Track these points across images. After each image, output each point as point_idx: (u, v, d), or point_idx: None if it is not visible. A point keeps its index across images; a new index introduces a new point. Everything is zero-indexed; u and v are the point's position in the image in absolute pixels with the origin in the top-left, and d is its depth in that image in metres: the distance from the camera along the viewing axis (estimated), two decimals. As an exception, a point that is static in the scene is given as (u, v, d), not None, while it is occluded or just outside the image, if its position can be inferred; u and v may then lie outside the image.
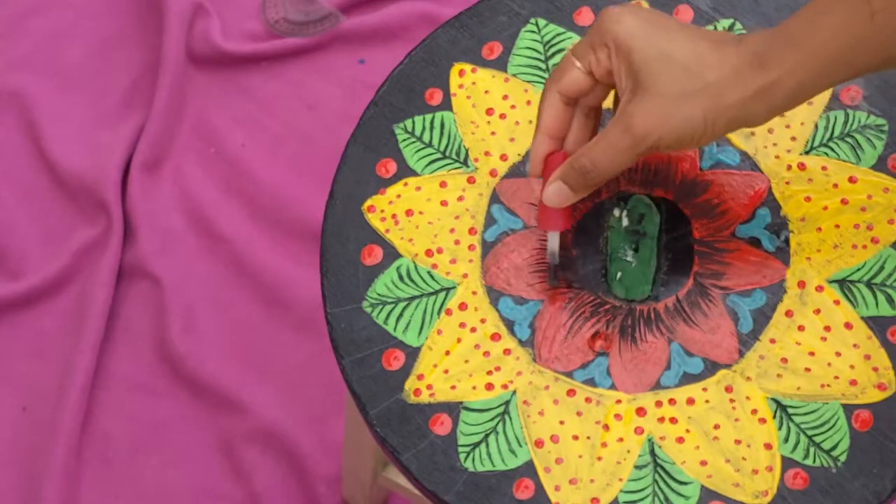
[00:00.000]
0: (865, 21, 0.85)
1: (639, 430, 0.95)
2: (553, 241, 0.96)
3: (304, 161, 1.62)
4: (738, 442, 0.94)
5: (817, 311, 0.97)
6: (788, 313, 0.97)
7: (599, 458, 0.94)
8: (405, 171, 1.03)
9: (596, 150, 0.91)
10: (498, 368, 0.97)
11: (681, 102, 0.88)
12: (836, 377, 0.95)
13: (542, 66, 1.05)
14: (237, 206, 1.61)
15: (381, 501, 1.45)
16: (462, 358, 0.97)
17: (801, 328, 0.97)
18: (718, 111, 0.88)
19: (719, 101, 0.88)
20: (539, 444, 0.95)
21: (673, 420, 0.95)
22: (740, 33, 0.98)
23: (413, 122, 1.05)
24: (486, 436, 0.95)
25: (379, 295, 0.99)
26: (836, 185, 1.01)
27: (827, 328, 0.97)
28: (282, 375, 1.52)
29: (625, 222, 1.00)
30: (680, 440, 0.94)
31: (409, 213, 1.02)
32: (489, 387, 0.96)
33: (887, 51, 0.87)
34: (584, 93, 0.93)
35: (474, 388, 0.96)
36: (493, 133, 1.04)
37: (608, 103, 0.98)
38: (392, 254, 1.01)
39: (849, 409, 0.94)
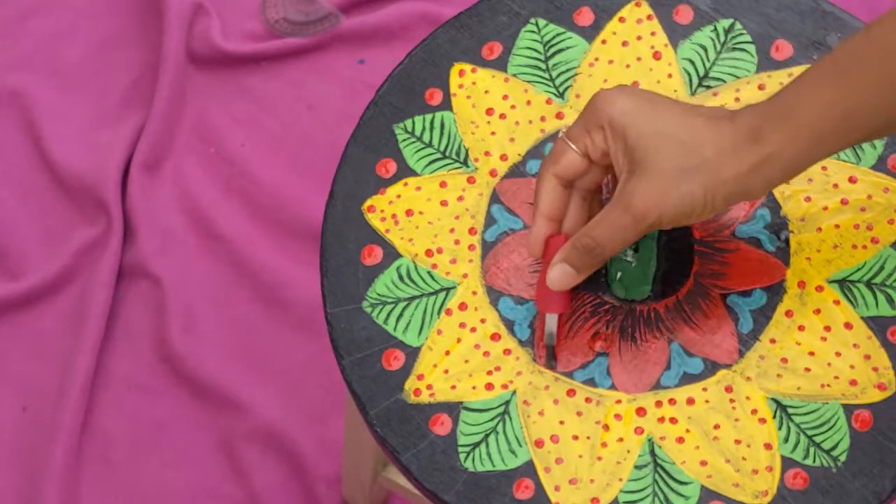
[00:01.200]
0: (857, 91, 0.86)
1: (639, 430, 0.95)
2: (551, 323, 0.96)
3: (304, 161, 1.62)
4: (738, 442, 0.94)
5: (817, 311, 0.97)
6: (788, 313, 0.97)
7: (599, 458, 0.94)
8: (405, 171, 1.03)
9: (598, 229, 0.91)
10: (498, 368, 0.97)
11: (679, 179, 0.88)
12: (836, 377, 0.95)
13: (542, 66, 1.05)
14: (237, 206, 1.61)
15: (381, 501, 1.45)
16: (462, 358, 0.97)
17: (801, 328, 0.97)
18: (717, 186, 0.88)
19: (717, 177, 0.88)
20: (539, 444, 0.95)
21: (673, 420, 0.95)
22: (731, 108, 0.97)
23: (413, 122, 1.05)
24: (486, 436, 0.95)
25: (379, 295, 0.99)
26: (836, 185, 1.01)
27: (827, 328, 0.97)
28: (282, 375, 1.52)
29: (625, 222, 1.00)
30: (680, 440, 0.94)
31: (409, 213, 1.02)
32: (489, 387, 0.96)
33: (885, 115, 0.87)
34: (580, 175, 0.94)
35: (474, 388, 0.96)
36: (493, 133, 1.04)
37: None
38: (392, 254, 1.01)
39: (849, 409, 0.94)
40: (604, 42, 1.06)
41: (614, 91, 0.91)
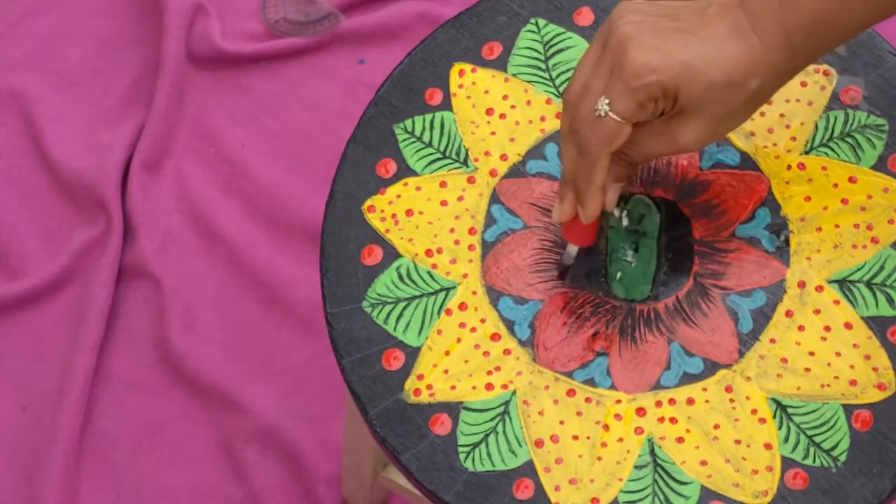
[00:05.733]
0: None
1: (639, 430, 0.95)
2: (573, 249, 0.98)
3: (304, 161, 1.62)
4: (737, 442, 0.94)
5: (817, 311, 0.97)
6: (788, 313, 0.97)
7: (599, 458, 0.94)
8: (405, 171, 1.03)
9: (637, 152, 0.94)
10: (498, 368, 0.97)
11: (730, 117, 0.92)
12: (836, 377, 0.95)
13: (542, 66, 1.05)
14: (237, 206, 1.61)
15: (381, 501, 1.45)
16: (462, 358, 0.97)
17: (801, 328, 0.97)
18: (762, 103, 0.93)
19: (764, 99, 0.93)
20: (539, 444, 0.95)
21: (673, 420, 0.95)
22: None
23: (413, 122, 1.05)
24: (486, 436, 0.95)
25: (379, 295, 0.99)
26: (836, 185, 1.01)
27: (827, 328, 0.97)
28: (282, 375, 1.52)
29: (625, 222, 1.00)
30: (680, 440, 0.94)
31: (409, 213, 1.02)
32: (489, 387, 0.96)
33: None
34: None
35: (474, 388, 0.96)
36: (493, 133, 1.04)
37: None
38: (392, 254, 1.01)
39: (849, 409, 0.95)
40: (604, 42, 1.06)
41: (646, 51, 0.90)
